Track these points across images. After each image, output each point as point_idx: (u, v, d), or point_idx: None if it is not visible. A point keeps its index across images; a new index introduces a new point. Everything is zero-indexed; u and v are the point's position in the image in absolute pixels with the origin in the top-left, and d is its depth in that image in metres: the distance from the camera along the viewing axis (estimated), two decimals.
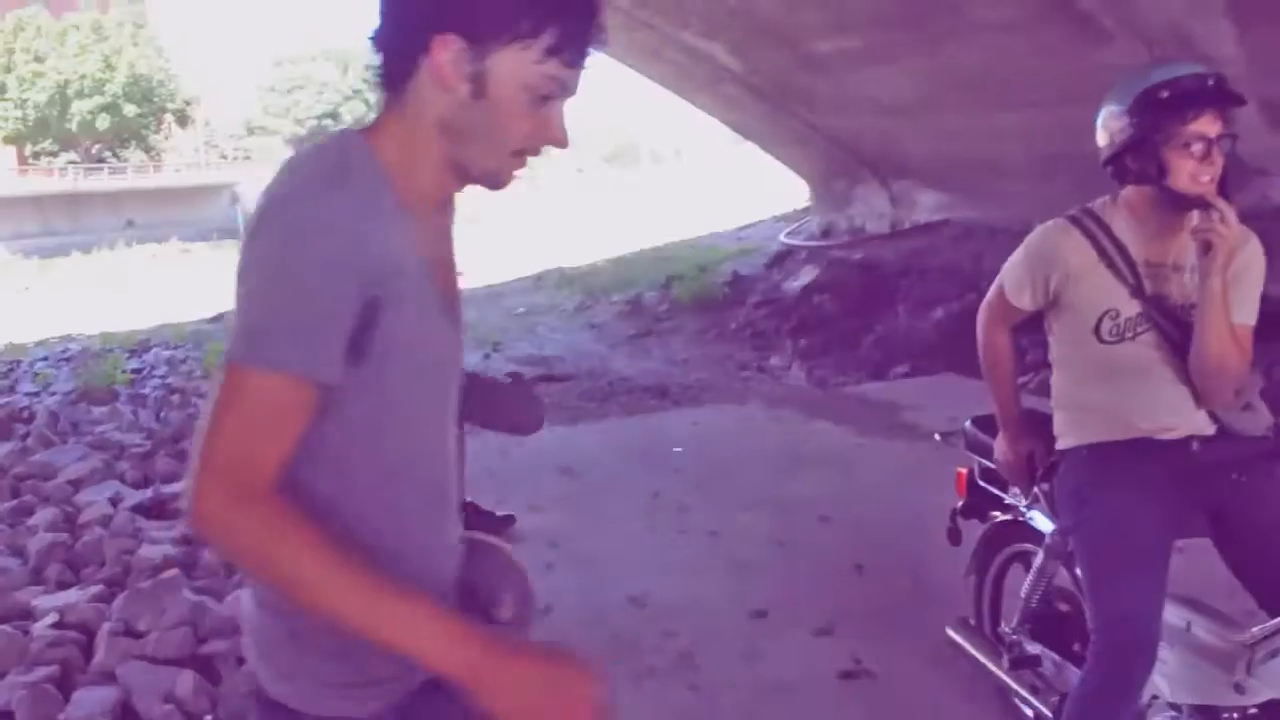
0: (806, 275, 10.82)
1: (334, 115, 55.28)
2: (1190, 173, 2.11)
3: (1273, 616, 2.13)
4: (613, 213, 23.23)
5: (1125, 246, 2.24)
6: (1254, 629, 2.12)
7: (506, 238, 21.27)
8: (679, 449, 5.64)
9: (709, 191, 21.31)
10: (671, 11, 10.38)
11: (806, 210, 15.12)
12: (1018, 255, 2.40)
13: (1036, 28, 7.70)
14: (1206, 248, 2.11)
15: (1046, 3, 7.36)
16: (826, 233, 13.71)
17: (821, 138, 12.25)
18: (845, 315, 9.77)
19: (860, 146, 11.99)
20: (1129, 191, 2.26)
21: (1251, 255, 2.24)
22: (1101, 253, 2.25)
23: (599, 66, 1.27)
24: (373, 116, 1.29)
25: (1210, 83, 2.12)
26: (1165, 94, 2.11)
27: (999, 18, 7.85)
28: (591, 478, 5.29)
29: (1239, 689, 2.09)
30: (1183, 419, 2.26)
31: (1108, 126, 2.24)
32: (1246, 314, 2.23)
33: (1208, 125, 2.11)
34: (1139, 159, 2.17)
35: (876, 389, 7.20)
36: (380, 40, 1.25)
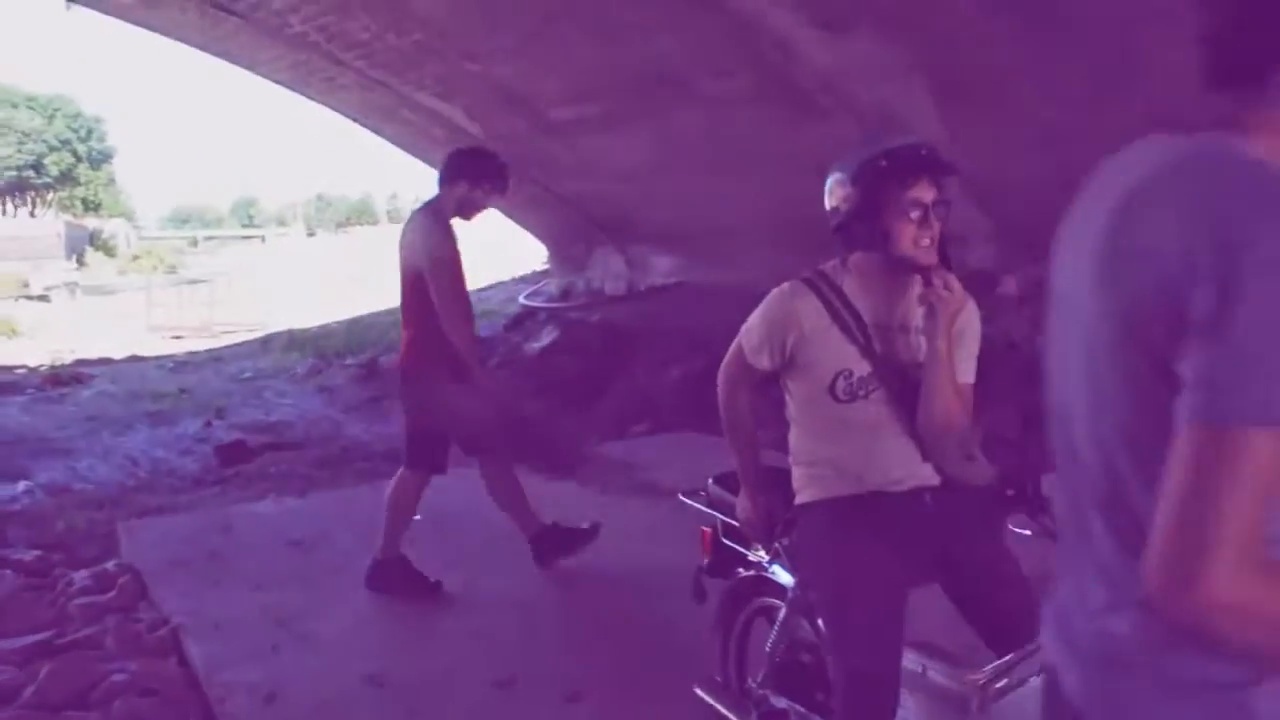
0: (547, 336, 10.85)
1: (37, 166, 51.04)
2: (912, 237, 2.25)
3: (1000, 656, 2.25)
4: (347, 274, 22.42)
5: (856, 308, 2.34)
6: (985, 669, 2.22)
7: (231, 302, 20.03)
8: (417, 517, 5.42)
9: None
10: (406, 72, 10.28)
11: (545, 272, 15.25)
12: (755, 318, 2.46)
13: (759, 103, 8.15)
14: (931, 311, 2.23)
15: (768, 80, 7.80)
16: (565, 294, 13.87)
17: (560, 202, 12.42)
18: (585, 376, 9.85)
19: (597, 211, 12.25)
20: (857, 256, 2.37)
21: (970, 317, 2.39)
22: (834, 314, 2.33)
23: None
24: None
25: (924, 152, 2.27)
26: (885, 163, 2.24)
27: (723, 92, 8.26)
28: (323, 551, 4.99)
29: None
30: (911, 472, 2.36)
31: (834, 194, 2.35)
32: (967, 372, 2.38)
33: (924, 192, 2.25)
34: (864, 225, 2.29)
35: (617, 448, 7.25)
36: (1245, 23, 1.05)
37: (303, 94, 11.96)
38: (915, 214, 2.24)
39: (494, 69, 9.47)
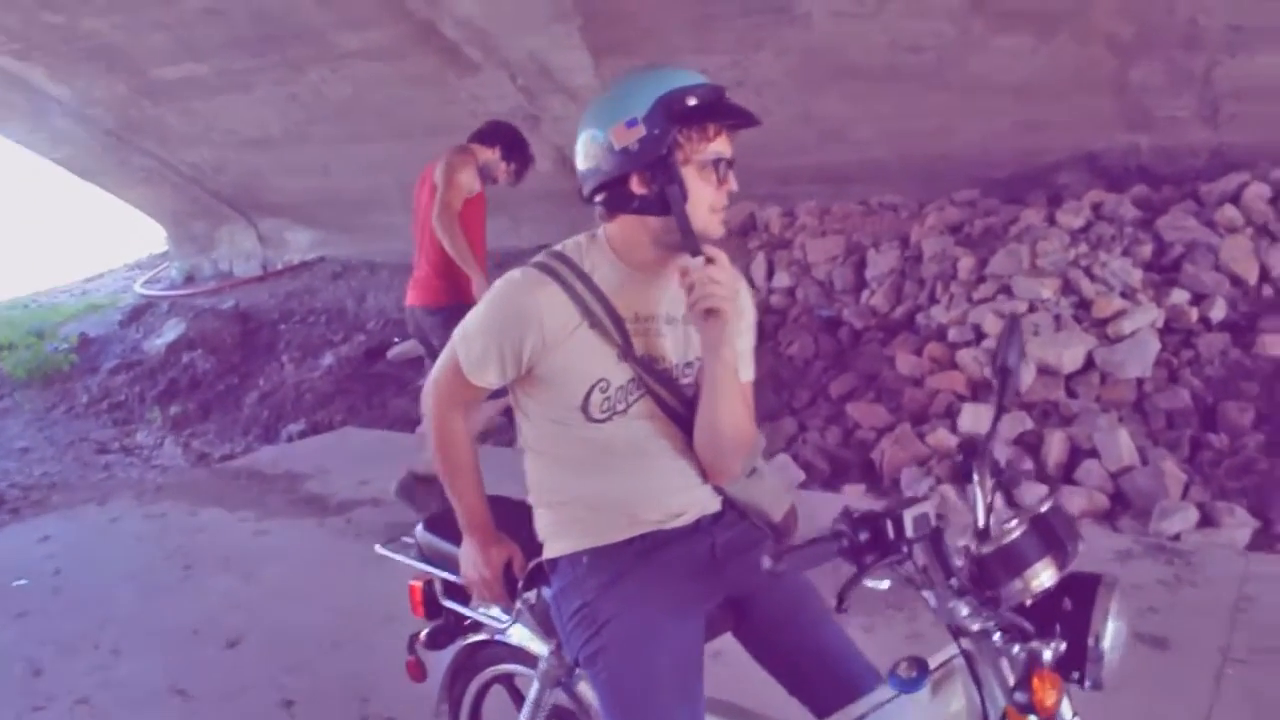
0: (171, 330, 9.50)
1: None
2: (710, 201, 1.72)
3: (817, 714, 1.82)
4: None
5: (609, 298, 1.78)
6: None
7: None
8: (22, 581, 4.32)
9: (34, 240, 18.17)
10: None
11: (165, 255, 13.52)
12: (476, 320, 1.83)
13: (404, 57, 7.42)
14: (707, 313, 1.70)
15: (412, 33, 7.09)
16: (190, 279, 12.36)
17: (176, 175, 10.96)
18: (223, 372, 8.70)
19: (221, 183, 10.93)
20: (616, 228, 1.80)
21: (745, 303, 1.91)
22: (584, 309, 1.76)
23: None
24: None
25: (727, 97, 1.75)
26: (693, 102, 1.69)
27: (364, 45, 7.44)
28: None
29: None
30: (691, 499, 1.87)
31: (616, 141, 1.71)
32: (747, 369, 1.90)
33: (725, 145, 1.74)
34: (656, 180, 1.70)
35: (270, 456, 6.30)
36: None
37: None
38: (719, 171, 1.72)
39: (81, 22, 7.98)
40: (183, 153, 10.37)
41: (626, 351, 1.78)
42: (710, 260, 1.69)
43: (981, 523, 1.57)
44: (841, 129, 7.06)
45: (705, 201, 1.72)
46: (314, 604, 3.91)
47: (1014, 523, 1.50)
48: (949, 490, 4.30)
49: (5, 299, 13.81)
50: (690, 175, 1.70)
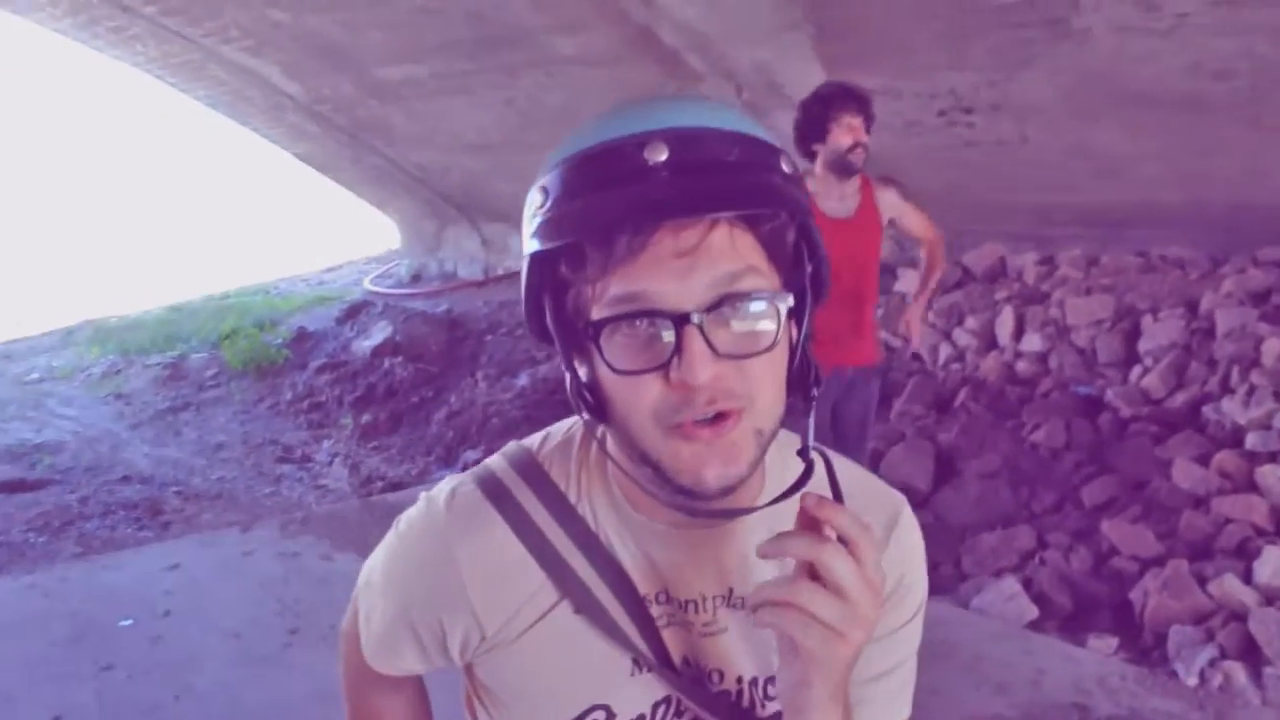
0: (379, 332, 9.32)
1: None
2: (651, 406, 0.79)
3: None
4: (176, 246, 19.24)
5: (620, 561, 0.94)
6: None
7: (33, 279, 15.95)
8: (127, 622, 3.95)
9: (293, 224, 18.92)
10: (205, 20, 8.59)
11: (399, 251, 13.67)
12: (378, 572, 1.03)
13: (620, 64, 6.83)
14: (792, 644, 0.78)
15: (629, 39, 6.47)
16: (417, 278, 12.37)
17: (405, 175, 10.91)
18: (419, 383, 8.39)
19: (446, 185, 10.78)
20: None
21: (913, 580, 0.99)
22: (563, 577, 0.93)
23: None
24: None
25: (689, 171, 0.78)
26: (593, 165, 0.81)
27: (579, 51, 6.90)
28: None
29: None
30: None
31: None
32: (899, 707, 1.02)
33: (668, 282, 0.78)
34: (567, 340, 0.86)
35: None
36: None
37: (90, 46, 10.12)
38: (642, 339, 0.79)
39: (305, 19, 7.88)
40: (410, 153, 10.27)
41: (655, 657, 0.94)
42: (846, 526, 0.75)
43: None
44: (1120, 165, 5.92)
45: (643, 407, 0.80)
46: None
47: None
48: (1237, 670, 3.20)
49: (250, 283, 14.33)
50: (606, 346, 0.81)
